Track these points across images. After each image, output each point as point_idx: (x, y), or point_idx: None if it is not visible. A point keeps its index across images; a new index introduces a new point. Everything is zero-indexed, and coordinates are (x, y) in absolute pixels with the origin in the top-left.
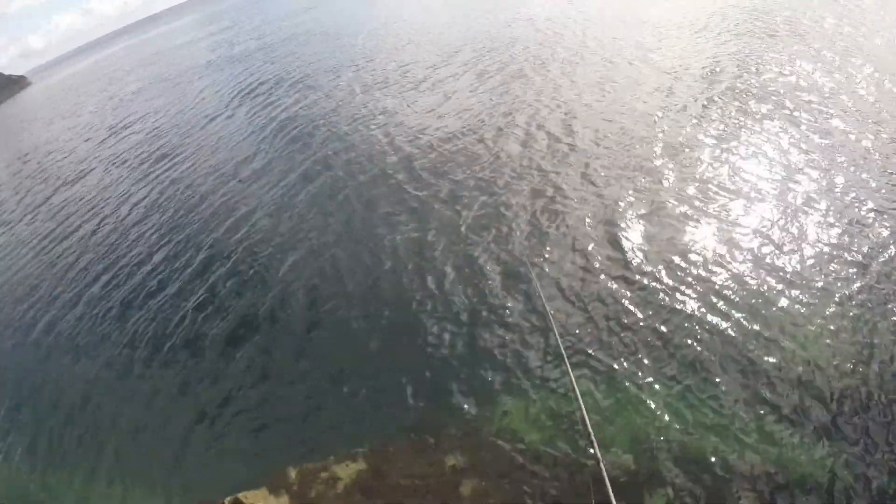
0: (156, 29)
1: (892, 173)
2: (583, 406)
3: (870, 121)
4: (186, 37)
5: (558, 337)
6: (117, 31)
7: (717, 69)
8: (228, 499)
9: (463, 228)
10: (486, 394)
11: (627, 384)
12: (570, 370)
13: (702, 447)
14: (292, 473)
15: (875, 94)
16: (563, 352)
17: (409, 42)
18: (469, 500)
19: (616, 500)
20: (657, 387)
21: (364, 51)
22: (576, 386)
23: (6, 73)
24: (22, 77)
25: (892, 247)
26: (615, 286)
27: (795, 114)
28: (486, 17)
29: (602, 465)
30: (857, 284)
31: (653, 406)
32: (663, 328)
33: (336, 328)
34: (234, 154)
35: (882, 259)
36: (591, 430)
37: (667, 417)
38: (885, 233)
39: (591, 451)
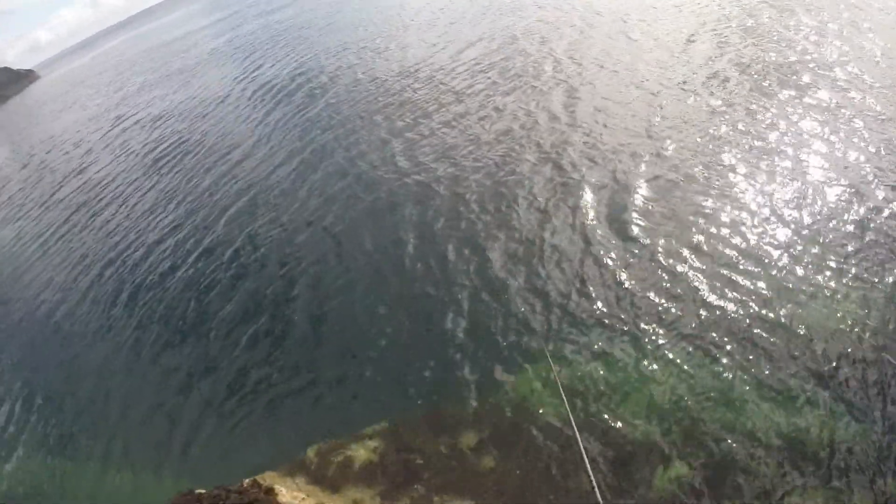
0: (163, 18)
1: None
2: (562, 391)
3: (875, 88)
4: (192, 25)
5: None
6: (123, 22)
7: (721, 43)
8: (247, 480)
9: (466, 209)
10: (498, 371)
11: (627, 356)
12: (548, 355)
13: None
14: (310, 453)
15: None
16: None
17: (409, 21)
18: (485, 475)
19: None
20: (666, 358)
21: (366, 33)
22: (556, 375)
23: (15, 67)
24: (31, 71)
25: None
26: (618, 264)
27: (796, 85)
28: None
29: (582, 446)
30: (855, 252)
31: (661, 377)
32: (662, 302)
33: (347, 311)
34: (239, 139)
35: (879, 223)
36: (570, 415)
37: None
38: (882, 197)
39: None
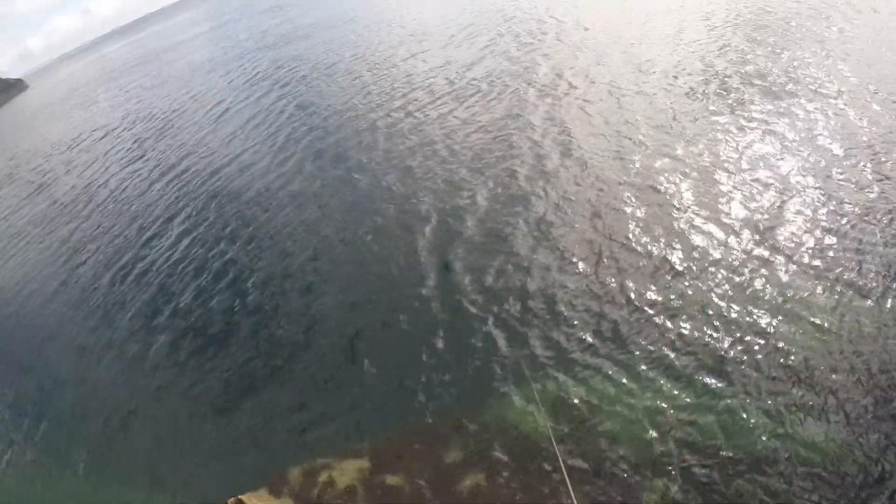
0: (153, 27)
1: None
2: (543, 411)
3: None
4: (182, 35)
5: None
6: (115, 31)
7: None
8: (231, 500)
9: (458, 228)
10: (482, 392)
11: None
12: (529, 375)
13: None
14: (294, 473)
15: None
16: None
17: (412, 27)
18: (466, 496)
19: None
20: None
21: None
22: (538, 394)
23: (3, 76)
24: (19, 80)
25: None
26: (599, 283)
27: (798, 100)
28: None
29: (562, 463)
30: (840, 264)
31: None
32: (644, 321)
33: (334, 330)
34: (234, 143)
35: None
36: (552, 435)
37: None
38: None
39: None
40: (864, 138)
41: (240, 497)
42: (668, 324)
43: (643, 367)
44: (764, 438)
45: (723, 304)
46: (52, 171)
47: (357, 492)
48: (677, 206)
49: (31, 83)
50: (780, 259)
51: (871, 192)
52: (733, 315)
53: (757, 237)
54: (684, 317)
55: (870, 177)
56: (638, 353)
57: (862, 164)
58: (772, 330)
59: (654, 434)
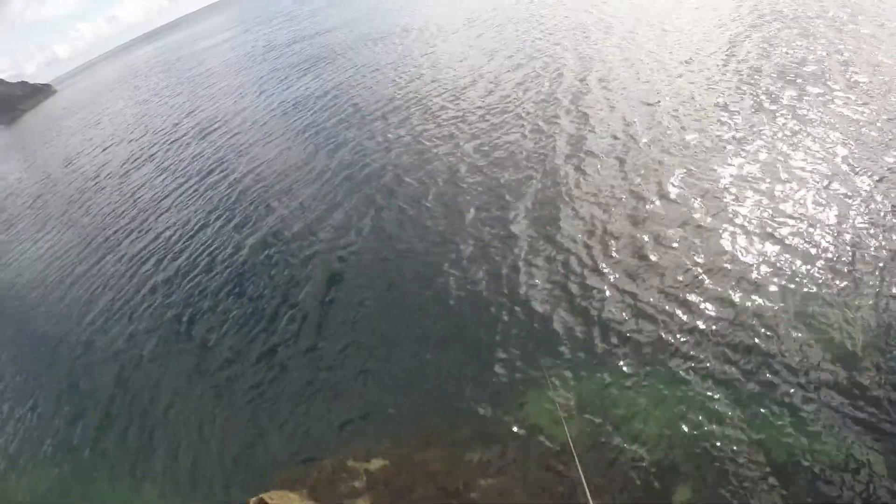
0: (177, 34)
1: None
2: (561, 414)
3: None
4: (203, 43)
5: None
6: (139, 38)
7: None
8: (253, 499)
9: (473, 232)
10: (501, 396)
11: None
12: (548, 379)
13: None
14: (316, 473)
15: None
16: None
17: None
18: (484, 498)
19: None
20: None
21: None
22: (555, 397)
23: (32, 81)
24: (47, 85)
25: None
26: (620, 288)
27: (819, 95)
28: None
29: (578, 465)
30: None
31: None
32: (665, 326)
33: (355, 329)
34: (268, 148)
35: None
36: (570, 439)
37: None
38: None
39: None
40: None
41: (262, 496)
42: (688, 328)
43: (663, 372)
44: (789, 444)
45: (747, 309)
46: (75, 175)
47: (377, 492)
48: (696, 208)
49: (58, 88)
50: (811, 263)
51: None
52: (757, 319)
53: (785, 245)
54: (704, 321)
55: None
56: (658, 357)
57: None
58: (797, 335)
59: (673, 440)
